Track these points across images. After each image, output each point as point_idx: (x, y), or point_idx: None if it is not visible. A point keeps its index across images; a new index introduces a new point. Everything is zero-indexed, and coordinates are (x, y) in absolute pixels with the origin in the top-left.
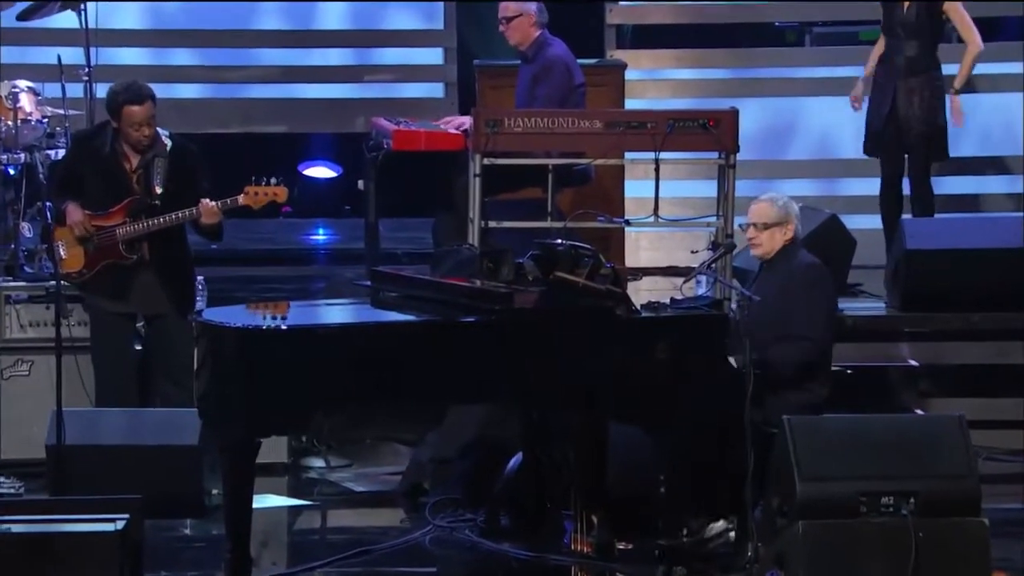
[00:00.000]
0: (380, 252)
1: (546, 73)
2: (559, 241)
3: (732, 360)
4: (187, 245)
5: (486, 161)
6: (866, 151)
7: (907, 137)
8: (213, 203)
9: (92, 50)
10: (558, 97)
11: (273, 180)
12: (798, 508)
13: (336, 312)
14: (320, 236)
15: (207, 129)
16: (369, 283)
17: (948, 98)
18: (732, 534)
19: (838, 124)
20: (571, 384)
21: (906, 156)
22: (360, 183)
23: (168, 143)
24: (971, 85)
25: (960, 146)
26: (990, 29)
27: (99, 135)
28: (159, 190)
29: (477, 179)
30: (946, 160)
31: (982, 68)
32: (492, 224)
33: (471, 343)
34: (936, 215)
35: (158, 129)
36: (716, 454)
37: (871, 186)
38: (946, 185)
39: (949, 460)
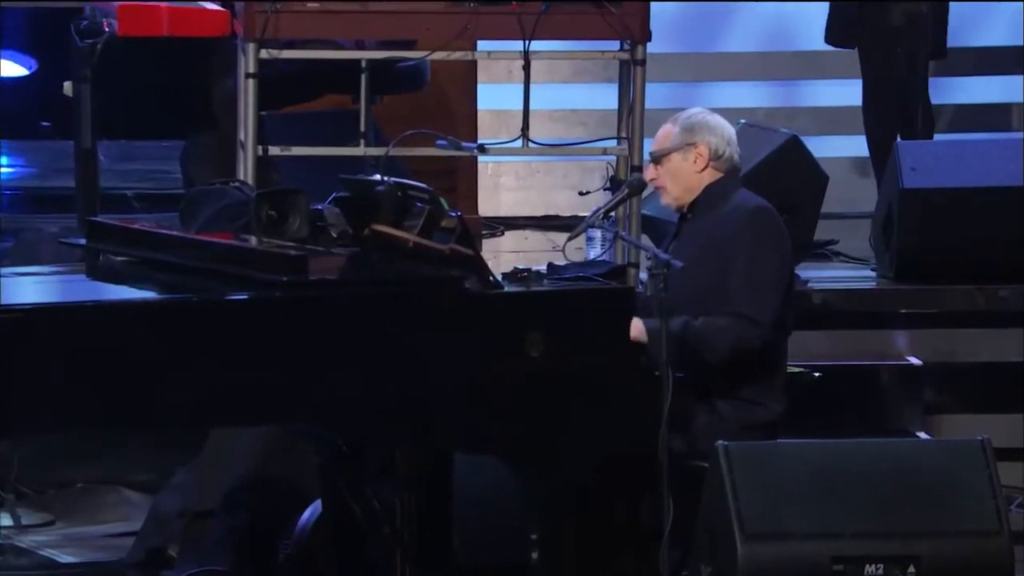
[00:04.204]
0: (100, 193)
1: None
2: (378, 177)
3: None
4: None
5: (264, 54)
6: (844, 40)
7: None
8: None
9: None
10: None
11: None
12: None
13: (30, 287)
14: (2, 167)
15: None
16: (83, 241)
17: None
18: None
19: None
20: (397, 396)
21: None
22: (66, 86)
23: None
24: None
25: (981, 32)
26: None
27: None
28: None
29: (250, 81)
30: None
31: None
32: (274, 151)
33: (243, 334)
34: (939, 136)
35: None
36: (617, 501)
37: (851, 92)
38: (958, 90)
39: (968, 507)
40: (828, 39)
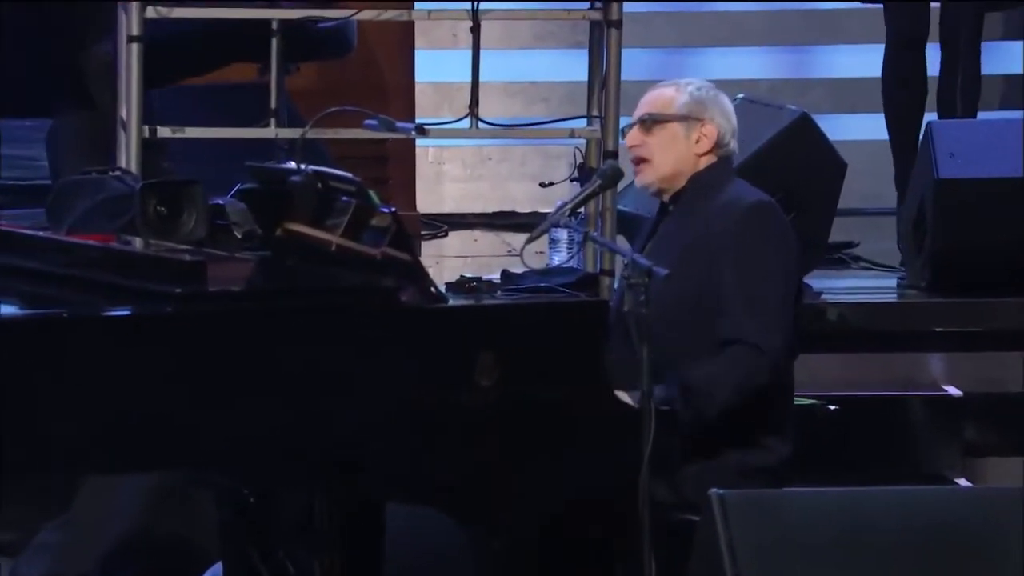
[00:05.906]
0: None
1: None
2: (292, 165)
3: (625, 396)
4: None
5: (151, 12)
6: None
7: None
8: None
9: None
10: None
11: None
12: None
13: None
14: None
15: None
16: None
17: None
18: None
19: None
20: (316, 434)
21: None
22: None
23: None
24: None
25: None
26: None
27: None
28: None
29: (134, 47)
30: None
31: None
32: (164, 132)
33: (125, 358)
34: (983, 114)
35: None
36: (587, 562)
37: (875, 61)
38: (1007, 58)
39: (1016, 570)
40: None
